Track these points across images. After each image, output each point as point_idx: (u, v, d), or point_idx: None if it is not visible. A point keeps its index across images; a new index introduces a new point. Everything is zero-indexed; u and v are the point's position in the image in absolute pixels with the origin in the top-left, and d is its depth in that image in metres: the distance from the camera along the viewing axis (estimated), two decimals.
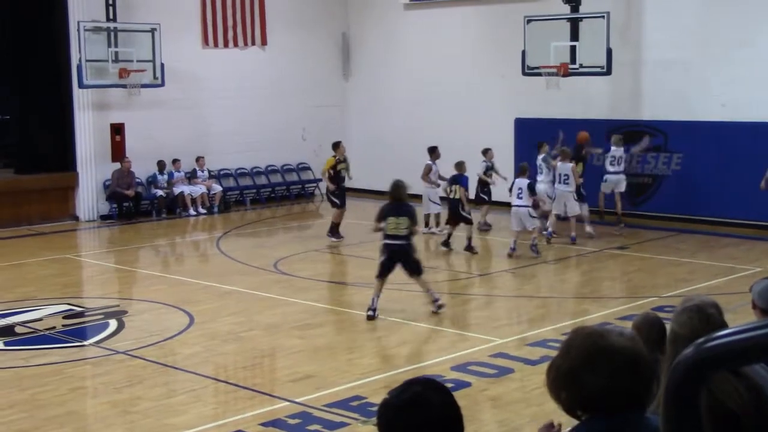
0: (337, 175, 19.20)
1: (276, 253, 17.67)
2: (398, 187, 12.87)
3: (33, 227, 21.09)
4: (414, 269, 12.61)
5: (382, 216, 12.65)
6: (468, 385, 9.83)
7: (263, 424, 8.84)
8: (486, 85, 23.91)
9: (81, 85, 21.61)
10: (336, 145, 19.54)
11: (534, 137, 23.11)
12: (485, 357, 10.90)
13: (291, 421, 8.92)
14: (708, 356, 2.18)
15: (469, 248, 17.36)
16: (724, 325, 4.33)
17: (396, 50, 25.81)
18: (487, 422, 9.03)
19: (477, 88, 24.09)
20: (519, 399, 9.38)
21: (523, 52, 20.89)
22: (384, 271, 12.60)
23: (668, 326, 4.55)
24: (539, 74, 20.76)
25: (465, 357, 10.93)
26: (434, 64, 24.86)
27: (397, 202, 12.74)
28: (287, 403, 9.46)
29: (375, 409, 8.77)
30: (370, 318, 12.54)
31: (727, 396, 2.83)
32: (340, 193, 19.23)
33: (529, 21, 20.82)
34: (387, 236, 12.53)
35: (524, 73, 21.09)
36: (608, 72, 19.91)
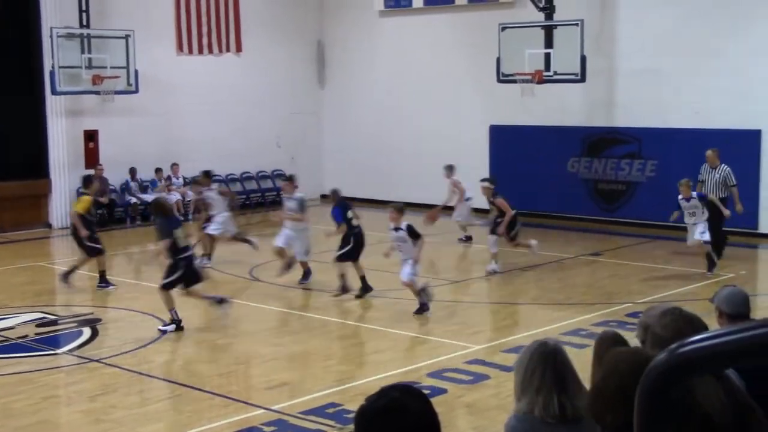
0: (85, 218, 15.52)
1: (251, 260, 17.59)
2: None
3: (5, 235, 20.91)
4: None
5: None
6: (444, 391, 9.82)
7: None
8: (461, 92, 23.97)
9: (54, 92, 21.48)
10: (89, 182, 16.22)
11: (509, 144, 23.24)
12: (461, 364, 10.90)
13: (266, 429, 8.88)
14: (681, 361, 2.19)
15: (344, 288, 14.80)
16: (707, 328, 4.36)
17: (371, 57, 25.83)
18: (463, 429, 9.03)
19: (452, 95, 24.15)
20: (495, 405, 9.39)
21: (498, 59, 20.96)
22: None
23: (638, 332, 4.56)
24: (514, 81, 20.82)
25: (440, 363, 10.93)
26: (409, 71, 24.90)
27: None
28: (262, 410, 9.42)
29: (351, 416, 8.75)
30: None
31: (705, 399, 2.84)
32: (95, 236, 15.64)
33: (503, 28, 20.89)
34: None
35: (499, 80, 21.16)
36: (583, 79, 20.00)
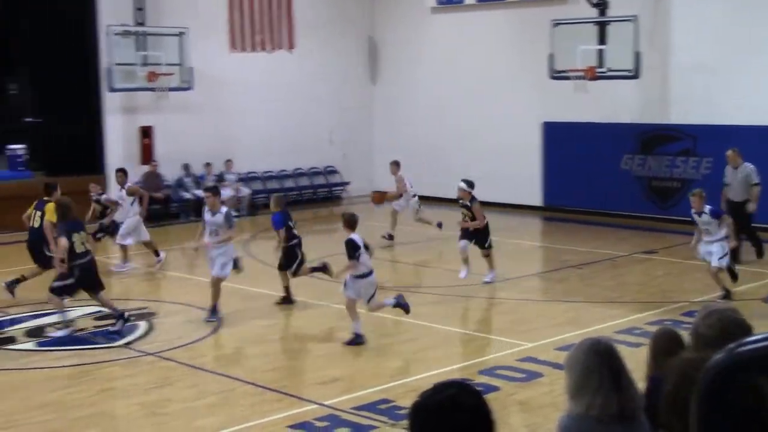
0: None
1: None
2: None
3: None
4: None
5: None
6: (497, 389, 9.82)
7: (292, 427, 8.87)
8: (512, 89, 23.87)
9: (110, 89, 21.80)
10: (52, 189, 15.09)
11: (561, 141, 23.11)
12: (513, 361, 10.88)
13: (319, 424, 8.95)
14: (740, 360, 2.19)
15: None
16: (750, 328, 4.33)
17: (423, 54, 25.82)
18: (516, 426, 9.01)
19: (503, 91, 24.06)
20: (548, 403, 9.36)
21: (550, 56, 20.84)
22: None
23: (690, 331, 4.55)
24: (567, 78, 20.70)
25: (493, 361, 10.92)
26: (461, 68, 24.86)
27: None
28: (315, 405, 9.49)
29: (403, 412, 8.78)
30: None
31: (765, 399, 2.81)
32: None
33: (556, 24, 20.78)
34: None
35: (551, 77, 21.04)
36: (636, 76, 19.82)
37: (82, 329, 12.74)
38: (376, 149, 27.20)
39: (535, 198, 23.66)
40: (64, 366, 11.10)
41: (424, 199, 22.92)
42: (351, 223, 11.81)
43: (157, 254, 16.98)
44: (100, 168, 22.67)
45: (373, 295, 11.75)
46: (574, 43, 20.37)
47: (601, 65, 20.22)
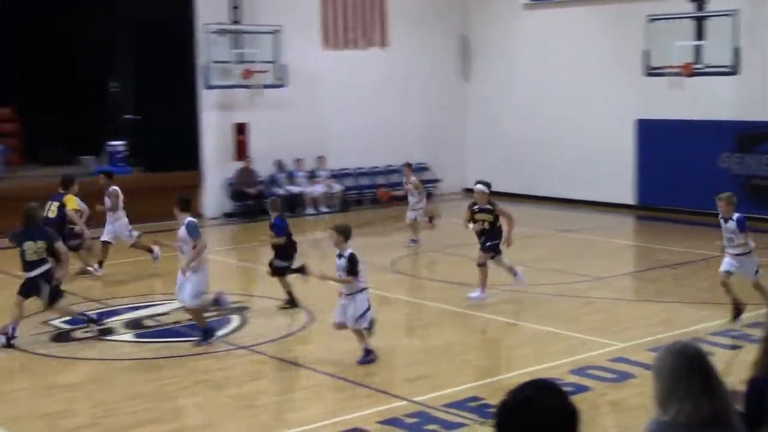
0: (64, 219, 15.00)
1: (393, 252, 17.79)
2: None
3: (160, 224, 21.69)
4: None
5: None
6: (588, 389, 9.72)
7: (381, 422, 8.93)
8: (606, 86, 23.56)
9: (207, 86, 22.23)
10: (70, 182, 15.49)
11: (656, 139, 22.72)
12: (605, 361, 10.76)
13: (408, 420, 8.99)
14: None
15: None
16: None
17: (515, 51, 25.66)
18: (607, 428, 8.92)
19: (596, 88, 23.77)
20: (640, 405, 9.22)
21: (645, 52, 20.51)
22: None
23: None
24: (662, 74, 20.34)
25: (584, 361, 10.81)
26: (553, 65, 24.63)
27: None
28: (405, 402, 9.53)
29: (493, 410, 8.75)
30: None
31: None
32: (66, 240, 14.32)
33: (652, 20, 20.42)
34: None
35: (646, 74, 20.70)
36: (735, 72, 19.37)
37: (177, 322, 13.02)
38: (468, 147, 27.12)
39: (628, 196, 23.32)
40: (160, 357, 11.36)
41: (514, 197, 22.80)
42: (347, 234, 10.84)
43: (150, 251, 16.35)
44: (196, 164, 23.14)
45: (363, 315, 10.76)
46: (670, 38, 19.99)
47: (698, 61, 19.81)
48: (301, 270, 13.18)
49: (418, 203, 18.92)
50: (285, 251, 13.59)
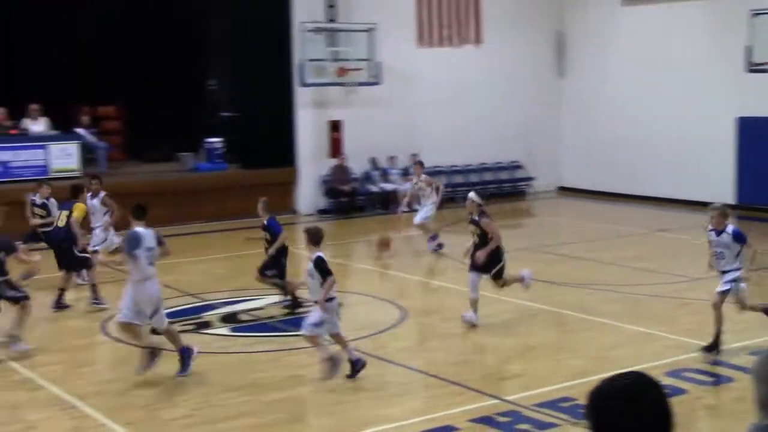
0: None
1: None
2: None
3: (256, 220, 22.01)
4: None
5: None
6: (684, 392, 9.55)
7: (472, 421, 8.92)
8: (705, 83, 23.07)
9: (302, 84, 22.49)
10: (80, 191, 14.81)
11: (759, 137, 22.15)
12: (702, 364, 10.55)
13: (500, 419, 8.96)
14: None
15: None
16: None
17: (612, 47, 25.30)
18: (703, 431, 8.75)
19: (695, 86, 23.28)
20: (738, 410, 9.02)
21: (748, 48, 20.00)
22: None
23: None
24: (765, 71, 19.81)
25: (680, 363, 10.62)
26: (651, 61, 24.21)
27: None
28: (497, 400, 9.51)
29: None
30: None
31: None
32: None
33: (755, 14, 19.91)
34: None
35: (748, 70, 20.19)
36: None
37: (272, 317, 13.21)
38: (563, 144, 26.86)
39: (727, 196, 22.74)
40: (256, 351, 11.55)
41: (609, 196, 22.51)
42: (316, 238, 10.24)
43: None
44: (291, 161, 23.42)
45: (317, 324, 10.13)
46: None
47: None
48: (283, 288, 13.18)
49: (429, 201, 18.09)
50: (277, 261, 13.37)
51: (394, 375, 10.61)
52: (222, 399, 9.67)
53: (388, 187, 23.85)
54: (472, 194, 12.72)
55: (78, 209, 14.19)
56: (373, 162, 24.04)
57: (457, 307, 13.55)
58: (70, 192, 14.73)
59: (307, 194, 23.35)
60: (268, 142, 23.06)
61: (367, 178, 23.97)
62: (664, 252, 17.68)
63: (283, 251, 13.55)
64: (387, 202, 23.60)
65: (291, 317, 13.20)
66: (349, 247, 19.54)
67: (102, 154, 22.89)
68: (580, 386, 9.83)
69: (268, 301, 14.03)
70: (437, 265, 16.99)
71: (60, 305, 13.73)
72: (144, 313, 10.25)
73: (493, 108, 25.51)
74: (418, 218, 18.17)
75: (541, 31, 26.43)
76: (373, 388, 10.07)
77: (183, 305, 13.83)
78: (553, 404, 9.29)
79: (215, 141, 23.70)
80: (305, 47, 22.38)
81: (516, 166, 26.30)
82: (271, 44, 22.95)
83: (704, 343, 10.99)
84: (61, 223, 14.00)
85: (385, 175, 24.07)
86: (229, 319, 13.19)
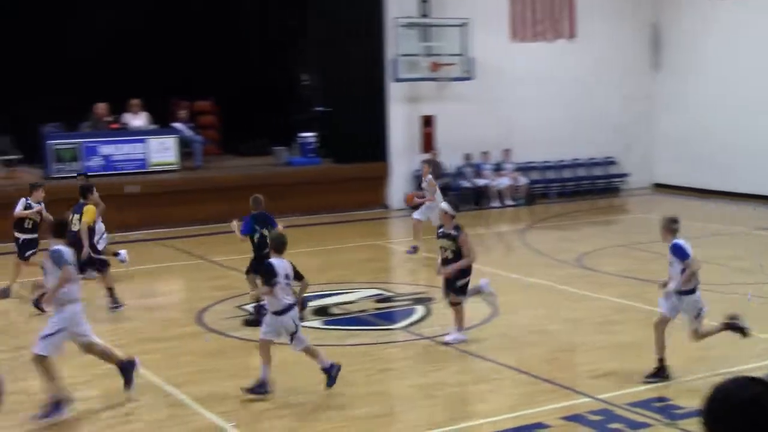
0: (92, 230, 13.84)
1: (580, 247, 17.55)
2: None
3: (347, 214, 22.22)
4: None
5: None
6: None
7: (564, 419, 8.85)
8: None
9: (395, 79, 22.56)
10: (89, 191, 14.11)
11: None
12: None
13: (592, 418, 8.87)
14: None
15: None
16: None
17: (708, 40, 24.74)
18: None
19: None
20: None
21: None
22: None
23: None
24: None
25: None
26: (748, 55, 23.61)
27: None
28: (588, 399, 9.41)
29: (680, 412, 8.51)
30: None
31: None
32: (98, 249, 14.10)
33: None
34: None
35: None
36: None
37: (363, 310, 13.30)
38: (658, 140, 26.38)
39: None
40: (347, 345, 11.64)
41: (706, 193, 22.02)
42: (277, 246, 9.83)
43: (116, 254, 15.49)
44: (382, 155, 23.53)
45: (295, 334, 9.67)
46: None
47: None
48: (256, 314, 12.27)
49: (431, 203, 16.96)
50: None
51: (485, 371, 10.57)
52: (313, 392, 9.76)
53: (481, 182, 23.78)
54: (444, 205, 11.75)
55: (88, 212, 13.66)
56: (467, 157, 23.98)
57: (550, 303, 13.46)
58: (80, 193, 14.04)
59: (399, 189, 23.41)
60: (361, 137, 23.19)
61: (459, 173, 23.93)
62: (763, 251, 17.24)
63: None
64: (479, 197, 23.54)
65: (383, 311, 13.28)
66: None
67: (198, 148, 23.33)
68: (674, 386, 9.67)
69: (360, 294, 14.14)
70: (530, 261, 16.87)
71: (115, 304, 13.57)
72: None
73: (586, 103, 25.21)
74: (417, 216, 17.36)
75: (636, 25, 26.00)
76: (463, 384, 10.07)
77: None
78: (646, 404, 9.16)
79: (308, 136, 23.94)
80: (398, 42, 22.45)
81: (610, 162, 25.94)
82: (365, 39, 23.07)
83: None
84: (75, 227, 13.37)
85: (477, 170, 23.99)
86: (320, 312, 13.32)
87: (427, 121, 23.69)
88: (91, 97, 21.89)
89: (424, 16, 22.98)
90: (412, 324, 12.57)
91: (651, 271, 15.12)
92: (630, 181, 25.95)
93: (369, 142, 23.38)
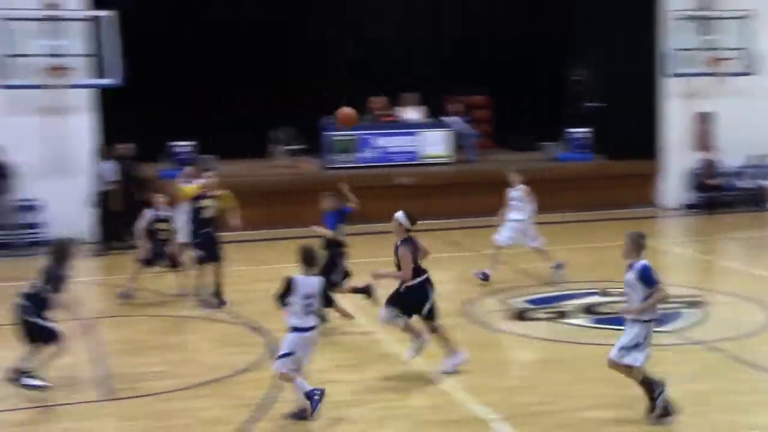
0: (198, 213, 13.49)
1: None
2: None
3: (616, 212, 21.77)
4: None
5: None
6: None
7: None
8: None
9: (671, 74, 21.92)
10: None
11: None
12: None
13: None
14: None
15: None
16: None
17: None
18: None
19: None
20: None
21: None
22: None
23: None
24: None
25: None
26: None
27: None
28: None
29: None
30: None
31: None
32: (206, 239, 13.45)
33: None
34: None
35: None
36: None
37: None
38: None
39: None
40: (608, 344, 11.43)
41: None
42: (305, 259, 8.95)
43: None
44: (655, 153, 22.91)
45: (281, 356, 8.85)
46: None
47: None
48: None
49: (520, 217, 14.77)
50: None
51: (760, 382, 10.10)
52: (579, 390, 9.71)
53: (763, 183, 22.59)
54: (398, 214, 10.29)
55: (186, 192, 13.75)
56: (749, 157, 22.80)
57: None
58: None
59: (673, 188, 22.70)
60: (633, 133, 22.68)
61: (737, 173, 22.85)
62: None
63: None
64: (758, 199, 22.42)
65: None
66: (715, 244, 18.78)
67: (471, 142, 23.69)
68: None
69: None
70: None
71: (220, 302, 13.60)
72: None
73: None
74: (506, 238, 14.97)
75: None
76: (735, 393, 9.66)
77: (543, 294, 14.04)
78: None
79: (578, 131, 23.70)
80: (674, 36, 21.78)
81: None
82: (639, 33, 22.51)
83: None
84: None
85: (759, 171, 22.78)
86: (590, 309, 13.17)
87: (703, 118, 22.78)
88: (367, 91, 22.97)
89: (703, 8, 22.12)
90: (683, 328, 12.18)
91: None
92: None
93: (641, 139, 22.81)
